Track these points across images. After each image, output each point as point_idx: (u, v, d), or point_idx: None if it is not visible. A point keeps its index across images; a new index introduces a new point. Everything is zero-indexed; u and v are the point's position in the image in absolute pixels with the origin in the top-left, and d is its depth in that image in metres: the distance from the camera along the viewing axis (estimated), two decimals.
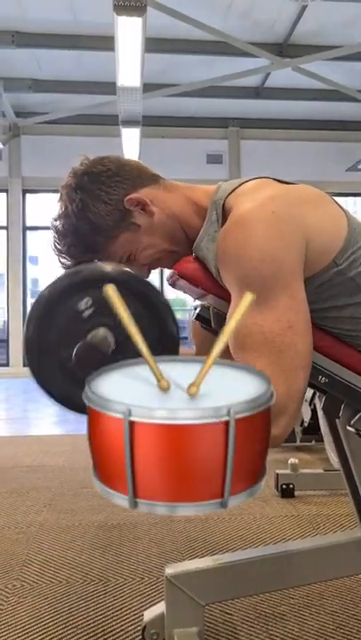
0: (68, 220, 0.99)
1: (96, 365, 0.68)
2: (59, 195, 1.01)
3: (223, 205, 0.95)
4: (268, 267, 0.82)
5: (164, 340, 0.73)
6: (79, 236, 0.99)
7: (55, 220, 1.00)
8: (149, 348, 0.66)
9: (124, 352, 0.70)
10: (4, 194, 7.99)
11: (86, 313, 0.71)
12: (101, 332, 0.71)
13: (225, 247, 0.88)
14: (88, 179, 0.98)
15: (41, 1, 5.19)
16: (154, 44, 5.25)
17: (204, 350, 1.24)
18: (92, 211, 0.97)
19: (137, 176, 1.00)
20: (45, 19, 5.49)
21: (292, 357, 0.81)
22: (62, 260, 1.03)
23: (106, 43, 4.99)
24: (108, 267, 0.77)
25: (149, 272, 1.07)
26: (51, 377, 0.72)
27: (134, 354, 0.68)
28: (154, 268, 1.07)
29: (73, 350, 0.70)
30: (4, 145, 6.99)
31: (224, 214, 0.94)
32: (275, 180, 0.97)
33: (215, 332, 1.05)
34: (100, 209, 0.97)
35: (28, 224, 8.16)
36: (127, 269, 0.76)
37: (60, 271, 1.08)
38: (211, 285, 0.96)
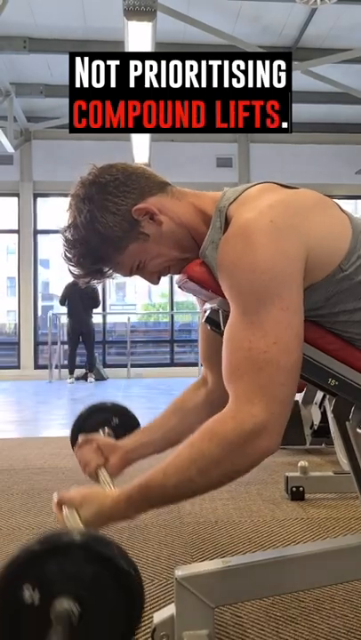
0: (77, 231, 0.99)
1: None
2: (67, 204, 1.02)
3: (226, 213, 0.95)
4: (259, 278, 0.84)
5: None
6: (88, 248, 1.00)
7: (65, 230, 1.01)
8: None
9: (89, 624, 0.70)
10: (16, 198, 8.06)
11: (36, 599, 0.69)
12: (65, 606, 0.69)
13: (222, 258, 0.90)
14: (96, 189, 0.99)
15: (52, 7, 5.24)
16: (164, 49, 5.27)
17: (210, 352, 1.25)
18: (101, 222, 0.98)
19: (145, 185, 1.01)
20: (57, 25, 5.54)
21: (272, 374, 0.82)
22: (72, 269, 1.04)
23: (116, 48, 5.03)
24: (81, 535, 0.75)
25: (159, 279, 1.08)
26: None
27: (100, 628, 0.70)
28: (164, 275, 1.08)
29: None
30: (15, 149, 7.05)
31: (227, 222, 0.95)
32: (278, 184, 0.97)
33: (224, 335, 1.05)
34: (109, 220, 0.98)
35: (39, 228, 8.23)
36: (97, 535, 0.76)
37: (70, 279, 1.10)
38: (217, 287, 0.97)
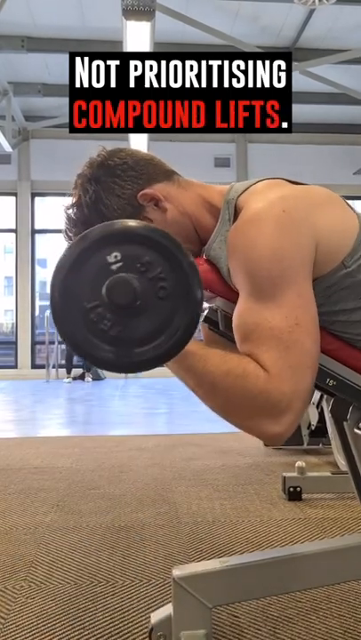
0: (81, 211, 0.99)
1: (126, 298, 0.70)
2: (74, 183, 1.02)
3: (235, 205, 0.95)
4: (276, 265, 0.83)
5: (188, 303, 0.73)
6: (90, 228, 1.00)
7: (68, 208, 1.01)
8: (174, 307, 0.72)
9: (149, 309, 0.72)
10: (13, 197, 8.05)
11: (114, 266, 0.72)
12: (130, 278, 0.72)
13: (235, 245, 0.88)
14: (104, 171, 0.99)
15: (51, 7, 5.24)
16: (162, 49, 5.27)
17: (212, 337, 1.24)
18: (105, 204, 0.98)
19: (152, 171, 1.01)
20: (55, 24, 5.53)
21: (300, 355, 0.80)
22: None
23: (115, 47, 5.03)
24: (139, 224, 0.77)
25: None
26: (74, 326, 0.73)
27: (159, 312, 0.72)
28: None
29: (97, 301, 0.71)
30: (13, 149, 7.04)
31: (235, 214, 0.95)
32: (286, 180, 0.97)
33: (223, 335, 1.05)
34: (113, 202, 0.98)
35: (37, 227, 8.21)
36: (158, 229, 0.77)
37: None
38: (219, 288, 0.97)
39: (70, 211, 1.01)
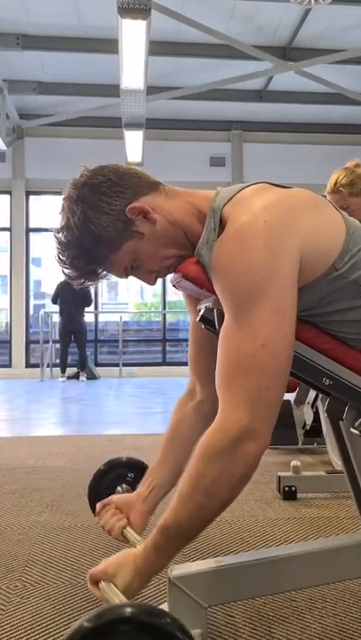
0: (71, 233, 0.99)
1: None
2: (60, 207, 1.01)
3: (221, 214, 0.95)
4: (251, 279, 0.84)
5: None
6: (83, 249, 0.99)
7: (58, 232, 1.01)
8: None
9: None
10: (8, 196, 8.02)
11: None
12: None
13: (216, 260, 0.90)
14: (89, 190, 0.99)
15: (46, 5, 5.22)
16: (158, 47, 5.27)
17: (200, 358, 1.24)
18: (95, 222, 0.98)
19: (137, 184, 1.01)
20: (50, 22, 5.52)
21: (258, 378, 0.84)
22: (66, 271, 1.03)
23: (110, 46, 5.01)
24: (130, 608, 0.73)
25: (156, 279, 1.07)
26: None
27: None
28: (163, 276, 1.07)
29: None
30: (7, 147, 7.01)
31: (221, 223, 0.95)
32: (272, 184, 0.97)
33: (218, 334, 1.05)
34: (102, 220, 0.98)
35: (32, 226, 8.19)
36: (148, 607, 0.77)
37: (62, 277, 1.09)
38: (212, 286, 0.96)
39: (60, 234, 1.00)
